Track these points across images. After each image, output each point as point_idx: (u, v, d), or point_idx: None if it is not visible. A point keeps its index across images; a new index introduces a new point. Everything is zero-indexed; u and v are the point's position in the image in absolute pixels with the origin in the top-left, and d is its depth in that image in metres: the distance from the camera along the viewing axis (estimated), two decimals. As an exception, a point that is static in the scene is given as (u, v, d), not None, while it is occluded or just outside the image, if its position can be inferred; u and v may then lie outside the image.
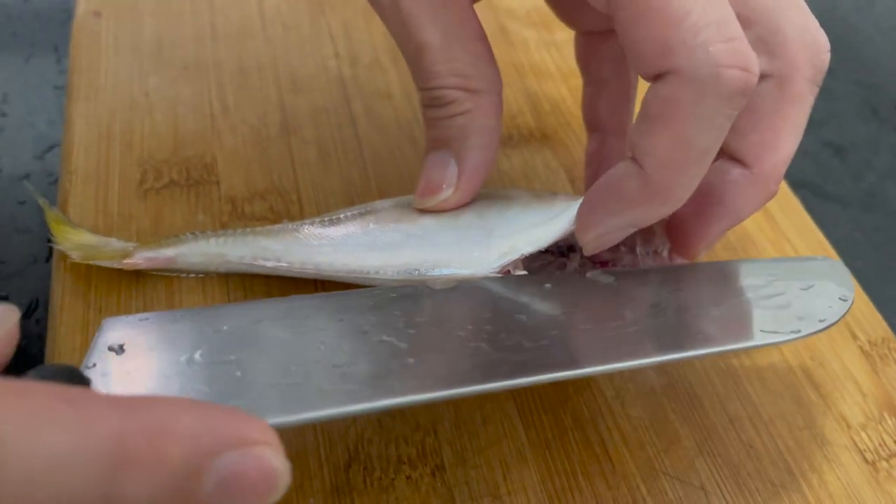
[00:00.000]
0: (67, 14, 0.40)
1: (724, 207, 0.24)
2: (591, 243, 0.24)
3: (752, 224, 0.33)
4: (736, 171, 0.24)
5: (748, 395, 0.27)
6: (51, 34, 0.39)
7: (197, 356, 0.20)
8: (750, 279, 0.25)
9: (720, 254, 0.32)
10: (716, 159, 0.23)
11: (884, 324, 0.31)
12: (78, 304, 0.26)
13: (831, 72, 0.48)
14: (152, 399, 0.16)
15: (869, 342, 0.30)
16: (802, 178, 0.41)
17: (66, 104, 0.33)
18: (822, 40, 0.23)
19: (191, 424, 0.15)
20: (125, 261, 0.26)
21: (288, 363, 0.20)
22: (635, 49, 0.21)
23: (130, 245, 0.27)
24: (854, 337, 0.30)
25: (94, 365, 0.19)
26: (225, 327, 0.21)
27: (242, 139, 0.32)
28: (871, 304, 0.31)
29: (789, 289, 0.25)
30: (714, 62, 0.20)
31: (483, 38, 0.25)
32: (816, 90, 0.24)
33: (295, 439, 0.24)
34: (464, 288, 0.24)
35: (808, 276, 0.25)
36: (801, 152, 0.43)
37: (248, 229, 0.27)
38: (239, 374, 0.20)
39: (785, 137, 0.24)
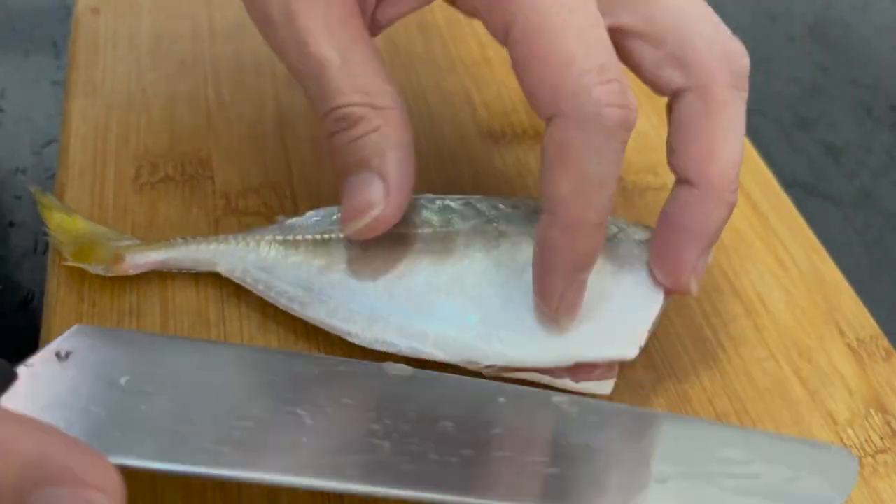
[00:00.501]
0: (66, 10, 0.41)
1: (687, 231, 0.25)
2: (562, 309, 0.24)
3: (743, 222, 0.34)
4: (685, 192, 0.25)
5: (736, 391, 0.28)
6: (49, 30, 0.40)
7: (122, 381, 0.20)
8: (730, 450, 0.23)
9: (711, 252, 0.32)
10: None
11: (872, 321, 0.31)
12: (72, 297, 0.26)
13: (826, 71, 0.48)
14: (1, 414, 0.16)
15: (857, 339, 0.30)
16: (795, 177, 0.41)
17: (65, 99, 0.33)
18: (735, 47, 0.24)
19: (29, 448, 0.15)
20: (114, 266, 0.26)
21: (193, 410, 0.20)
22: (529, 91, 0.23)
23: (125, 244, 0.27)
24: (842, 334, 0.30)
25: (32, 365, 0.20)
26: (169, 360, 0.21)
27: (238, 135, 0.33)
28: (859, 302, 0.31)
29: (769, 474, 0.22)
30: (595, 103, 0.21)
31: (379, 57, 0.25)
32: (742, 95, 0.25)
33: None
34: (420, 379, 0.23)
35: (802, 464, 0.22)
36: (795, 151, 0.43)
37: (241, 238, 0.26)
38: (143, 408, 0.20)
39: (720, 145, 0.24)
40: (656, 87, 0.25)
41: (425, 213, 0.27)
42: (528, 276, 0.25)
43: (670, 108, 0.25)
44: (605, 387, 0.26)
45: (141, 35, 0.36)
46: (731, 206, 0.25)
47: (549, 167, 0.22)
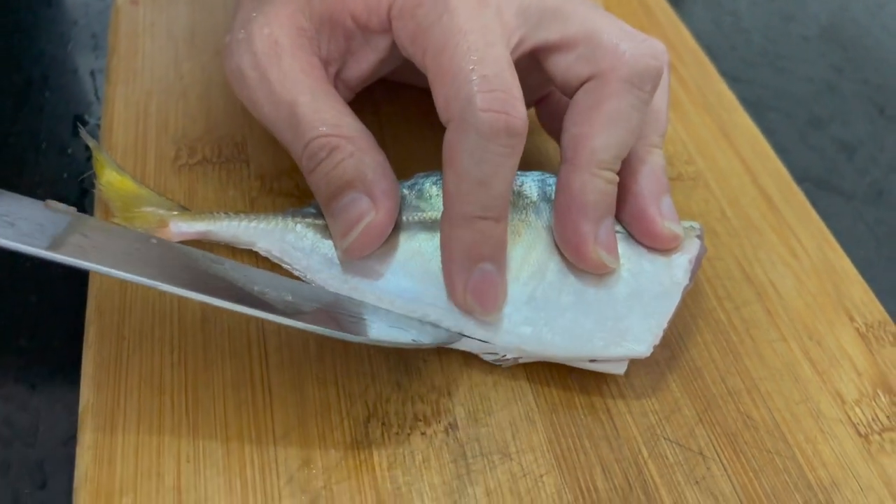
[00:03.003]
0: (105, 3, 0.42)
1: (571, 205, 0.26)
2: (469, 302, 0.25)
3: (756, 213, 0.35)
4: (564, 169, 0.26)
5: (747, 369, 0.29)
6: (88, 22, 0.41)
7: None
8: None
9: (725, 241, 0.33)
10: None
11: (881, 308, 0.32)
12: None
13: (839, 71, 0.49)
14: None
15: (865, 325, 0.31)
16: (808, 173, 0.42)
17: (106, 86, 0.35)
18: (644, 48, 0.26)
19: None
20: (158, 230, 0.28)
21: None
22: (436, 104, 0.25)
23: (171, 212, 0.28)
24: (851, 319, 0.31)
25: None
26: None
27: (270, 121, 0.34)
28: (868, 290, 0.32)
29: None
30: (474, 108, 0.24)
31: (342, 101, 0.27)
32: (640, 93, 0.26)
33: (318, 395, 0.26)
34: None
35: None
36: (809, 148, 0.44)
37: (280, 218, 0.28)
38: None
39: (598, 128, 0.26)
40: (568, 85, 0.27)
41: None
42: (551, 275, 0.27)
43: (572, 96, 0.27)
44: (620, 367, 0.27)
45: (177, 25, 0.38)
46: (606, 181, 0.26)
47: (443, 167, 0.25)
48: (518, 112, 0.24)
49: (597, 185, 0.26)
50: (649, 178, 0.28)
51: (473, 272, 0.25)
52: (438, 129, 0.36)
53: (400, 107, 0.36)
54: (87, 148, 0.36)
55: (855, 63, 0.50)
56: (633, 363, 0.28)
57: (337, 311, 0.25)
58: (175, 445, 0.24)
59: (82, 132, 0.27)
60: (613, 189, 0.26)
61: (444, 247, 0.25)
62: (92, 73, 0.39)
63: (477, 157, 0.24)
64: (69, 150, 0.35)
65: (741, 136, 0.38)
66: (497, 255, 0.25)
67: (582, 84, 0.26)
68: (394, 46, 0.28)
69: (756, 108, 0.45)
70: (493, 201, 0.24)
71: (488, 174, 0.24)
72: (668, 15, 0.44)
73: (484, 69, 0.24)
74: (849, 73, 0.49)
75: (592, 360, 0.26)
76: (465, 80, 0.24)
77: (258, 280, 0.25)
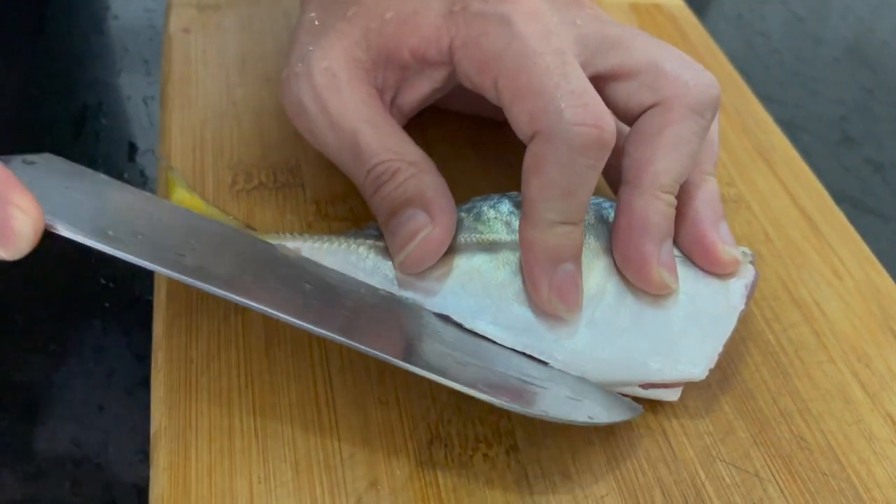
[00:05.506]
0: (154, 30, 0.43)
1: (635, 226, 0.27)
2: (553, 301, 0.26)
3: (798, 234, 0.35)
4: (625, 192, 0.27)
5: (798, 391, 0.29)
6: (140, 49, 0.43)
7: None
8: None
9: (770, 262, 0.34)
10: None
11: (927, 330, 0.32)
12: (180, 299, 0.29)
13: (870, 92, 0.50)
14: None
15: (913, 346, 0.31)
16: (844, 193, 0.43)
17: (161, 113, 0.36)
18: (704, 78, 0.27)
19: None
20: None
21: None
22: (514, 122, 0.26)
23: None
24: (899, 341, 0.31)
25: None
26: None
27: (322, 147, 0.35)
28: (914, 312, 0.33)
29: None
30: (566, 121, 0.24)
31: (400, 128, 0.28)
32: (702, 121, 0.27)
33: (381, 417, 0.26)
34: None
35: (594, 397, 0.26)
36: (843, 168, 0.45)
37: (342, 239, 0.28)
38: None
39: (661, 153, 0.26)
40: (629, 112, 0.28)
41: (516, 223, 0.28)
42: (609, 297, 0.27)
43: (634, 121, 0.28)
44: (674, 394, 0.27)
45: (228, 53, 0.39)
46: (667, 204, 0.27)
47: (524, 174, 0.25)
48: (609, 125, 0.25)
49: (658, 206, 0.26)
50: (706, 204, 0.28)
51: (556, 272, 0.26)
52: (482, 151, 0.37)
53: (446, 131, 0.37)
54: (142, 174, 0.37)
55: (885, 85, 0.50)
56: (687, 385, 0.28)
57: (507, 373, 0.25)
58: (246, 467, 0.24)
59: (156, 152, 0.28)
60: (673, 212, 0.27)
61: (527, 249, 0.26)
62: (144, 100, 0.40)
63: (565, 168, 0.25)
64: (125, 175, 0.36)
65: (779, 158, 0.39)
66: (576, 256, 0.26)
67: (643, 111, 0.27)
68: (449, 76, 0.28)
69: (789, 128, 0.45)
70: (575, 208, 0.25)
71: (575, 185, 0.25)
72: (703, 38, 0.45)
73: (570, 85, 0.25)
74: (879, 95, 0.49)
75: (647, 387, 0.27)
76: (551, 95, 0.24)
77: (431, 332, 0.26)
